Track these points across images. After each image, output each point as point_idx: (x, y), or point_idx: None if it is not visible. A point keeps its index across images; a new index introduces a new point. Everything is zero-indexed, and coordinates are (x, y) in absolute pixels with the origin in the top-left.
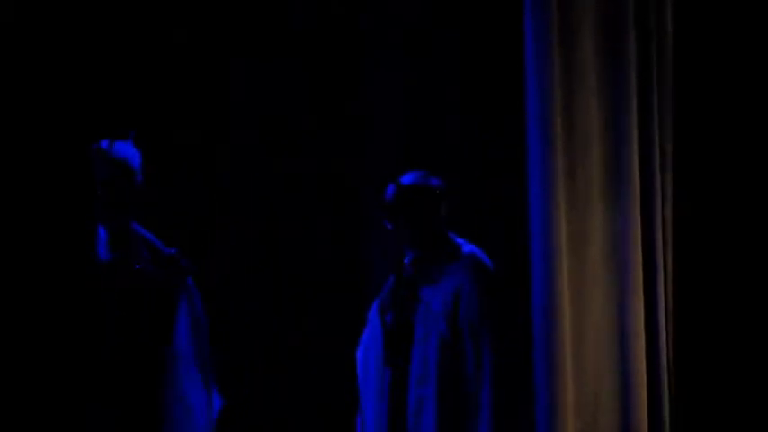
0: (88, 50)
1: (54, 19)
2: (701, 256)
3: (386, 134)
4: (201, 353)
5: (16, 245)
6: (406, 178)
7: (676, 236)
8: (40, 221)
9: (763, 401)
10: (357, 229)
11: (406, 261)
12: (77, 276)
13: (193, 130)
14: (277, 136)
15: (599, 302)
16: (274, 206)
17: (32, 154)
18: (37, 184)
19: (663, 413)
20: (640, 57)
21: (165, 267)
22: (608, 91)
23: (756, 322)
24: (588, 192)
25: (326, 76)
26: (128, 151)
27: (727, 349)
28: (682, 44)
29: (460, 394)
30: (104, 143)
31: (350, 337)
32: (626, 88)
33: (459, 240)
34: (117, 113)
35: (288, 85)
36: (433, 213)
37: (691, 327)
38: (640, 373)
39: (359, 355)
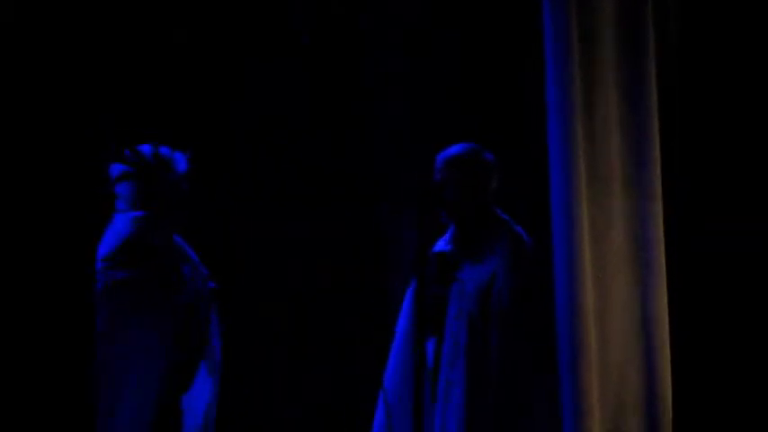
0: (88, 51)
1: (55, 19)
2: (719, 242)
3: (387, 133)
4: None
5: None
6: (456, 149)
7: (696, 222)
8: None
9: None
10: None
11: (446, 237)
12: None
13: (193, 130)
14: (278, 136)
15: (622, 289)
16: (276, 207)
17: (30, 156)
18: (35, 184)
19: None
20: (659, 51)
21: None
22: (628, 83)
23: None
24: (609, 180)
25: (327, 76)
26: (173, 156)
27: (741, 338)
28: (699, 40)
29: (486, 381)
30: (147, 146)
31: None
32: (647, 80)
33: (505, 217)
34: (115, 114)
35: (288, 85)
36: (485, 185)
37: (704, 316)
38: (665, 358)
39: (397, 331)
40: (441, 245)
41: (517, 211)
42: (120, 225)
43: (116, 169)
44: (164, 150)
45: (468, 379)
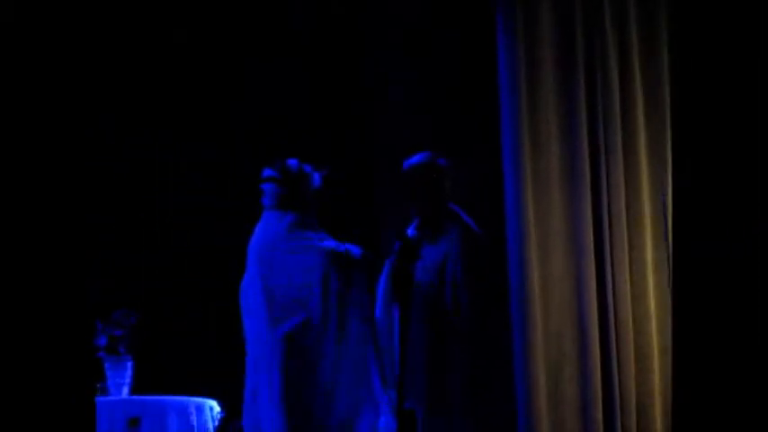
0: (88, 51)
1: (54, 19)
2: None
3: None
4: None
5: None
6: (417, 158)
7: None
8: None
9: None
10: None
11: (413, 225)
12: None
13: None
14: (278, 136)
15: (560, 264)
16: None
17: (30, 156)
18: (34, 184)
19: (611, 351)
20: (588, 78)
21: None
22: (563, 100)
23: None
24: (549, 178)
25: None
26: (312, 172)
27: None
28: (623, 55)
29: (443, 331)
30: (294, 160)
31: None
32: (577, 96)
33: (457, 209)
34: (115, 114)
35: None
36: (439, 187)
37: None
38: (593, 318)
39: (378, 294)
40: (409, 232)
41: (476, 202)
42: (269, 221)
43: (265, 172)
44: (305, 167)
45: (429, 331)
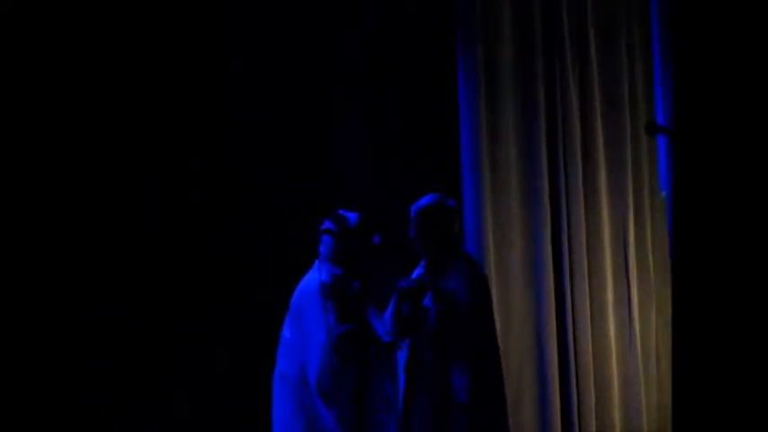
0: (88, 48)
1: (54, 15)
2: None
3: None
4: None
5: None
6: (426, 200)
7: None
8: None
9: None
10: None
11: (421, 264)
12: None
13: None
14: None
15: (520, 294)
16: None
17: (29, 149)
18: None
19: (570, 383)
20: (548, 107)
21: None
22: (522, 132)
23: None
24: (509, 210)
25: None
26: (371, 230)
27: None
28: (584, 88)
29: (450, 361)
30: (354, 215)
31: None
32: (537, 130)
33: (465, 251)
34: (117, 112)
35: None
36: (448, 228)
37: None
38: (552, 349)
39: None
40: (416, 271)
41: None
42: (317, 273)
43: (325, 223)
44: (364, 224)
45: (438, 360)
